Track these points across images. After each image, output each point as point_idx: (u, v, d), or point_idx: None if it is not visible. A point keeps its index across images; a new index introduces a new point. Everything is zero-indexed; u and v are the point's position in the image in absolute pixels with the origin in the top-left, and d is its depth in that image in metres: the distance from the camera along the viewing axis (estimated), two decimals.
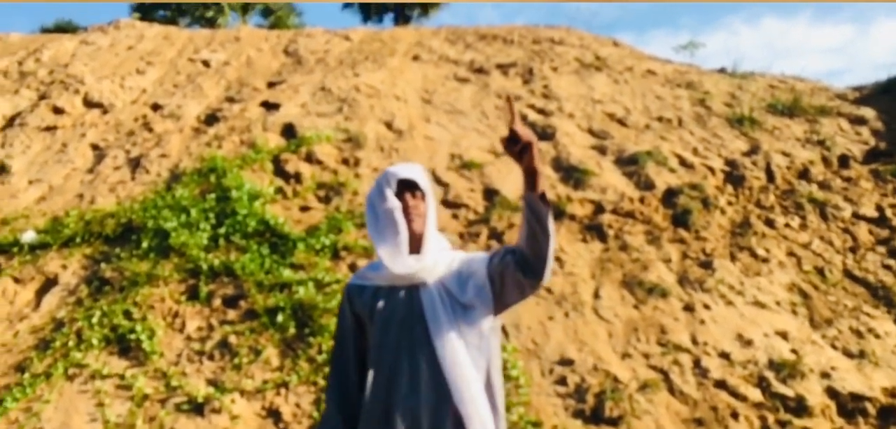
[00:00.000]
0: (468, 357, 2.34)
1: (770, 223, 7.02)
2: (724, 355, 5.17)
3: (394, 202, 2.40)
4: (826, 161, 8.28)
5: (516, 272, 2.33)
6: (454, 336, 2.34)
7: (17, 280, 5.98)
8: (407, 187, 2.44)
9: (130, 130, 8.85)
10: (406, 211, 2.40)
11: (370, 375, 2.39)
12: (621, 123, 9.22)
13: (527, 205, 2.25)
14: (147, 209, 6.60)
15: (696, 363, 5.08)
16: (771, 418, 4.58)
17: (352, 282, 2.54)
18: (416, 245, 2.42)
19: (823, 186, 7.70)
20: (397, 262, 2.36)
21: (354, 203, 6.84)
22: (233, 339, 5.10)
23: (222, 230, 6.25)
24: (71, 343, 5.11)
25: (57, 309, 5.61)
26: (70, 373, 4.85)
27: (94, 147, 8.57)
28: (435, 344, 2.33)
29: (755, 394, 4.81)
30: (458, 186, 7.32)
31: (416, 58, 11.47)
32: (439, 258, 2.44)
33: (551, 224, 2.25)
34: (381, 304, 2.42)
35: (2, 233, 6.60)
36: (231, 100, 9.56)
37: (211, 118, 9.03)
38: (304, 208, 6.86)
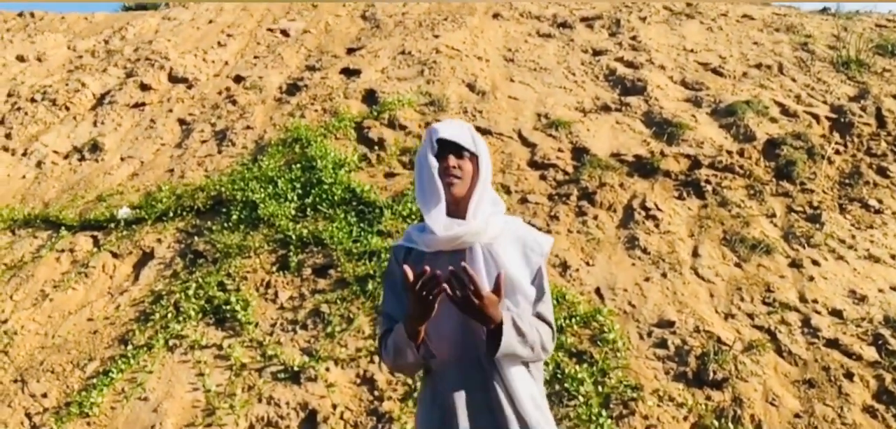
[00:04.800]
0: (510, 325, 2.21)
1: (882, 172, 6.57)
2: (836, 313, 4.87)
3: (433, 162, 2.30)
4: None
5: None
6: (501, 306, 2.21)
7: (115, 255, 6.13)
8: (449, 149, 2.32)
9: (215, 104, 8.96)
10: (446, 173, 2.28)
11: (428, 338, 2.27)
12: (717, 72, 8.81)
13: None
14: (235, 182, 6.66)
15: (806, 322, 4.80)
16: (888, 378, 4.28)
17: (398, 243, 2.44)
18: (462, 209, 2.30)
19: None
20: (438, 225, 2.24)
21: None
22: (325, 308, 5.09)
23: (309, 200, 6.25)
24: (169, 315, 5.21)
25: (155, 282, 5.72)
26: (170, 344, 4.93)
27: (181, 122, 8.72)
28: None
29: (870, 353, 4.51)
30: (546, 146, 7.11)
31: (496, 15, 11.25)
32: (490, 222, 2.29)
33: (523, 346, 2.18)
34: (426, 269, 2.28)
35: (98, 209, 6.78)
36: (311, 68, 9.57)
37: (292, 88, 9.06)
38: (390, 175, 6.79)
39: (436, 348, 2.25)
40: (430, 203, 2.27)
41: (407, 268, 2.08)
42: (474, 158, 2.36)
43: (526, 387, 2.24)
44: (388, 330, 2.33)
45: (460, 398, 2.23)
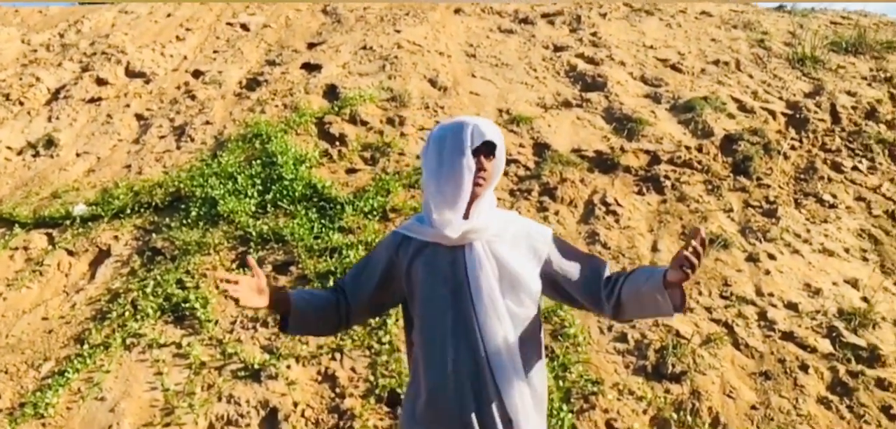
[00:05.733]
0: (510, 323, 2.22)
1: (837, 167, 6.71)
2: (791, 306, 4.96)
3: (471, 163, 2.18)
4: (894, 99, 7.90)
5: (588, 296, 2.29)
6: (497, 299, 2.21)
7: (70, 253, 6.01)
8: (485, 149, 2.23)
9: (173, 99, 8.83)
10: (476, 173, 2.21)
11: (419, 331, 2.30)
12: (675, 68, 8.92)
13: (666, 304, 2.11)
14: (194, 178, 6.58)
15: (762, 315, 4.88)
16: (842, 370, 4.38)
17: (400, 230, 2.39)
18: (468, 206, 2.26)
19: (892, 125, 7.34)
20: (449, 224, 2.20)
21: (401, 163, 6.71)
22: None
23: (269, 196, 6.20)
24: (127, 313, 5.12)
25: (111, 280, 5.62)
26: (128, 343, 4.85)
27: (139, 117, 8.58)
28: (476, 307, 2.20)
29: (825, 345, 4.61)
30: (507, 141, 7.13)
31: (458, 11, 11.25)
32: (490, 218, 2.27)
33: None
34: (423, 262, 2.29)
35: (54, 206, 6.64)
36: (271, 63, 9.48)
37: (253, 83, 8.97)
38: (351, 171, 6.76)
39: (428, 353, 2.26)
40: (450, 203, 2.20)
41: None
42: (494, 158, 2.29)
43: (523, 390, 2.24)
44: (336, 298, 2.40)
45: (455, 406, 2.23)
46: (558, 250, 2.34)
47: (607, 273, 2.30)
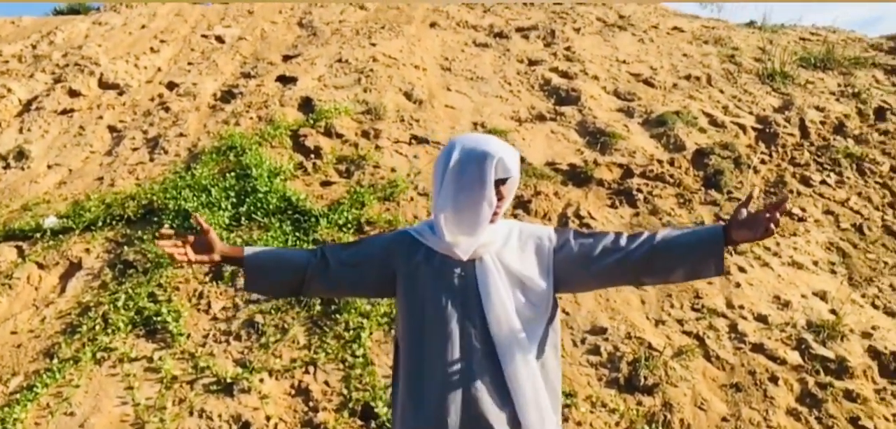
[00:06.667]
0: (523, 334, 2.23)
1: (805, 181, 6.82)
2: (761, 319, 5.03)
3: (492, 198, 2.16)
4: (862, 114, 8.05)
5: (610, 258, 2.26)
6: (509, 311, 2.22)
7: (40, 266, 5.93)
8: (504, 180, 2.21)
9: (147, 111, 8.77)
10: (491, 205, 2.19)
11: (416, 345, 2.29)
12: (648, 83, 9.01)
13: (718, 263, 2.19)
14: (167, 190, 6.53)
15: (733, 328, 4.94)
16: (811, 381, 4.44)
17: (410, 231, 2.39)
18: None
19: (860, 140, 7.47)
20: (463, 251, 2.21)
21: (376, 176, 6.72)
22: (259, 318, 5.02)
23: (243, 209, 6.17)
24: (98, 327, 5.06)
25: (82, 293, 5.56)
26: (98, 357, 4.80)
27: (112, 129, 8.51)
28: (489, 319, 2.22)
29: (794, 357, 4.67)
30: None
31: (433, 25, 11.29)
32: (497, 231, 2.28)
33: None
34: (431, 270, 2.29)
35: (24, 219, 6.55)
36: (247, 75, 9.45)
37: (227, 95, 8.93)
38: (326, 183, 6.75)
39: (433, 362, 2.25)
40: (467, 231, 2.20)
41: None
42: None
43: (530, 383, 2.24)
44: (311, 253, 2.43)
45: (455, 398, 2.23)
46: (565, 236, 2.34)
47: (621, 235, 2.30)
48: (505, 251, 2.28)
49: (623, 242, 2.27)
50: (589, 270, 2.29)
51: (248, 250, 2.41)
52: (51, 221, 6.36)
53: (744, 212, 2.10)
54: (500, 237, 2.29)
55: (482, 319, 2.22)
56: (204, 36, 11.31)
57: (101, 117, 8.74)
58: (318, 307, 5.05)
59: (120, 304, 5.22)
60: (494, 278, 2.23)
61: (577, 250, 2.30)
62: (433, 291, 2.27)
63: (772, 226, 2.04)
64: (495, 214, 2.21)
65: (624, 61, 9.66)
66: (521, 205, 6.33)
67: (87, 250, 6.01)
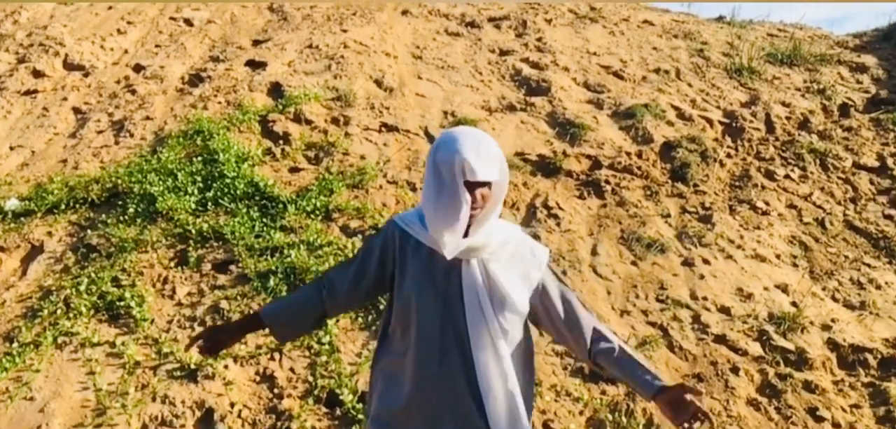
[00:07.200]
0: (501, 341, 2.26)
1: (770, 175, 6.92)
2: (724, 310, 5.11)
3: (464, 198, 2.12)
4: (826, 111, 8.17)
5: (571, 337, 2.33)
6: (489, 319, 2.25)
7: (1, 249, 5.83)
8: (481, 183, 2.16)
9: (113, 93, 8.63)
10: (470, 206, 2.15)
11: (400, 331, 2.34)
12: (618, 75, 9.07)
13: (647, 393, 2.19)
14: (132, 174, 6.44)
15: (696, 319, 5.01)
16: (771, 372, 4.52)
17: (399, 222, 2.39)
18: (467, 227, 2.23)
19: (824, 136, 7.59)
20: (445, 246, 2.18)
21: (345, 163, 6.69)
22: (224, 304, 4.99)
23: (210, 194, 6.11)
24: (59, 311, 4.98)
25: (43, 277, 5.47)
26: (59, 341, 4.73)
27: (77, 111, 8.36)
28: (468, 321, 2.25)
29: (755, 348, 4.75)
30: None
31: (405, 12, 11.24)
32: (491, 237, 2.27)
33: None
34: (419, 260, 2.31)
35: None
36: (215, 59, 9.34)
37: (195, 79, 8.82)
38: (294, 170, 6.71)
39: (418, 350, 2.29)
40: (447, 228, 2.15)
41: None
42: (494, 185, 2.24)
43: (502, 385, 2.27)
44: (320, 286, 2.47)
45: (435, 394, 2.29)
46: (552, 281, 2.36)
47: (596, 325, 2.33)
48: (493, 260, 2.28)
49: (588, 335, 2.30)
50: (557, 331, 2.37)
51: (265, 313, 2.45)
52: (12, 204, 6.25)
53: (684, 397, 2.07)
54: (495, 243, 2.28)
55: (463, 319, 2.25)
56: (172, 18, 11.15)
57: (65, 99, 8.59)
58: (284, 294, 5.02)
59: (82, 288, 5.15)
60: (478, 286, 2.25)
61: (553, 311, 2.34)
62: (419, 284, 2.29)
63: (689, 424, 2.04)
64: (475, 214, 2.18)
65: (594, 53, 9.71)
66: None
67: (50, 234, 5.92)
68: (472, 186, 2.14)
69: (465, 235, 2.20)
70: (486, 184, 2.18)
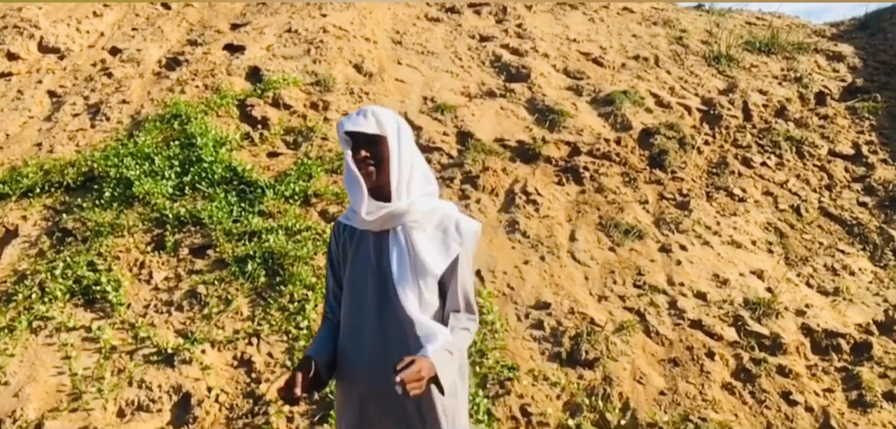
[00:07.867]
0: (417, 304, 2.32)
1: (747, 162, 6.97)
2: (700, 296, 5.14)
3: (347, 154, 2.30)
4: (803, 99, 8.24)
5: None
6: (413, 289, 2.32)
7: None
8: (359, 139, 2.31)
9: (89, 76, 8.53)
10: (361, 163, 2.30)
11: (343, 318, 2.45)
12: (597, 62, 9.09)
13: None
14: (109, 158, 6.37)
15: (673, 304, 5.04)
16: (746, 357, 4.56)
17: (341, 220, 2.50)
18: (388, 191, 2.32)
19: (800, 124, 7.66)
20: (362, 211, 2.28)
21: (324, 148, 6.67)
22: (202, 289, 4.96)
23: (188, 178, 6.06)
24: (34, 296, 4.94)
25: (18, 261, 5.41)
26: (34, 326, 4.69)
27: (52, 94, 8.26)
28: (396, 288, 2.31)
29: (730, 333, 4.79)
30: (431, 130, 7.16)
31: None
32: (415, 205, 2.33)
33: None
34: (355, 247, 2.42)
35: None
36: (193, 43, 9.25)
37: (173, 62, 8.73)
38: (273, 154, 6.67)
39: (347, 322, 2.41)
40: (353, 191, 2.30)
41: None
42: (386, 141, 2.32)
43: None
44: (325, 317, 2.57)
45: (372, 385, 2.36)
46: (464, 260, 2.41)
47: (454, 313, 2.40)
48: (417, 228, 2.34)
49: (446, 315, 2.39)
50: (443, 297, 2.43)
51: (314, 361, 2.40)
52: None
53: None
54: (419, 211, 2.34)
55: (394, 293, 2.31)
56: (150, 1, 11.02)
57: (40, 82, 8.48)
58: (262, 279, 5.01)
59: (58, 272, 5.11)
60: (401, 251, 2.33)
61: (449, 281, 2.39)
62: (355, 267, 2.40)
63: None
64: (366, 170, 2.29)
65: (574, 40, 9.72)
66: (469, 180, 6.35)
67: (25, 217, 5.86)
68: (356, 146, 2.30)
69: (389, 198, 2.31)
70: (372, 140, 2.29)
